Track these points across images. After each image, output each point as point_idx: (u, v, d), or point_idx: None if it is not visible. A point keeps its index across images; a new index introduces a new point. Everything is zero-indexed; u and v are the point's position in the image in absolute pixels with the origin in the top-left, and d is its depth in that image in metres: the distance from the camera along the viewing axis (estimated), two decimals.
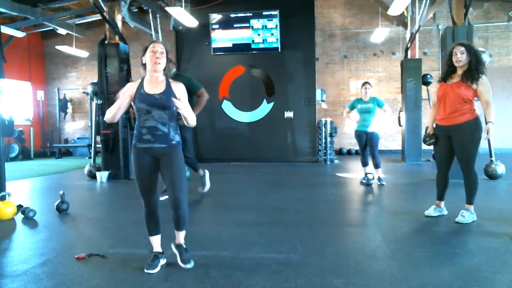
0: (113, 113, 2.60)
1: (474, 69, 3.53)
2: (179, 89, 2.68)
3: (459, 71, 3.63)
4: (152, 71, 2.63)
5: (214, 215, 4.12)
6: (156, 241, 2.77)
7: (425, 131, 4.04)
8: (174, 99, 2.54)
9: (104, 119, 2.72)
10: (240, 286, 2.36)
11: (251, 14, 9.22)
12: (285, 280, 2.43)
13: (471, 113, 3.61)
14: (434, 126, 3.90)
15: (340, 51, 11.60)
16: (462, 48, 3.56)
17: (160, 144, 2.59)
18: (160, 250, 2.75)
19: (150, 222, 2.76)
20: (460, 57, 3.56)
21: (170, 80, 2.71)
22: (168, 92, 2.62)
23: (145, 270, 2.60)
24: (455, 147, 3.67)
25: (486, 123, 3.52)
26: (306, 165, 8.89)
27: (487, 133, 3.50)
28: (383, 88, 11.37)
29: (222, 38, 9.43)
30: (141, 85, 2.64)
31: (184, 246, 2.76)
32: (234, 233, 3.47)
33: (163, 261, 2.72)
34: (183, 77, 4.95)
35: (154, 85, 2.64)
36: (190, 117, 2.64)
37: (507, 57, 11.02)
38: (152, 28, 9.06)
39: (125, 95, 2.62)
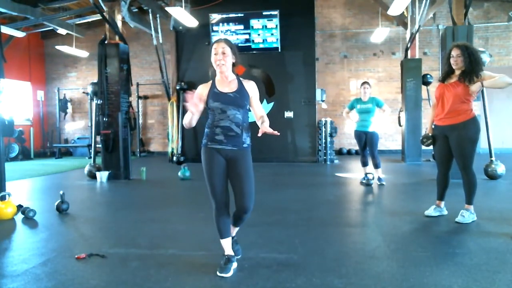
0: (189, 119, 2.53)
1: (469, 70, 3.53)
2: (252, 87, 2.63)
3: (457, 72, 3.64)
4: (219, 72, 2.57)
5: None
6: (227, 244, 2.66)
7: (425, 131, 4.05)
8: (267, 130, 2.46)
9: (183, 124, 2.63)
10: (240, 286, 2.36)
11: (250, 14, 9.22)
12: (285, 280, 2.43)
13: (468, 113, 3.61)
14: (433, 126, 3.91)
15: (340, 51, 11.60)
16: (459, 52, 3.57)
17: (232, 146, 2.54)
18: (232, 253, 2.65)
19: (221, 223, 2.61)
20: (457, 59, 3.58)
21: (241, 78, 2.65)
22: (241, 90, 2.57)
23: (218, 273, 2.51)
24: (452, 147, 3.67)
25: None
26: (306, 165, 8.89)
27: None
28: (383, 88, 11.37)
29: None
30: (213, 85, 2.59)
31: (235, 238, 2.79)
32: None
33: (234, 265, 2.62)
34: None
35: (226, 84, 2.58)
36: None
37: (507, 57, 11.04)
38: (152, 28, 9.07)
39: (198, 98, 2.52)
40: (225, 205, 2.61)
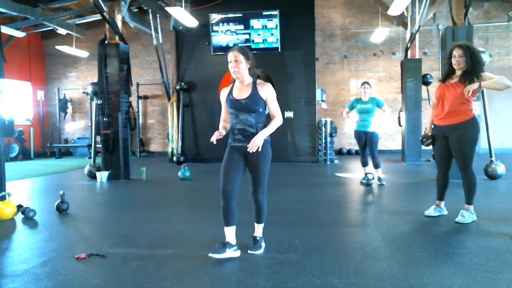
0: (221, 121, 2.98)
1: (471, 71, 3.52)
2: (265, 91, 2.83)
3: (458, 72, 3.63)
4: (236, 79, 2.84)
5: (214, 215, 4.12)
6: (228, 232, 2.88)
7: (424, 131, 4.05)
8: (253, 146, 2.72)
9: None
10: (240, 286, 2.36)
11: (250, 14, 9.22)
12: (285, 280, 2.43)
13: (468, 113, 3.61)
14: (432, 126, 3.91)
15: (340, 51, 11.60)
16: (461, 52, 3.56)
17: (245, 143, 2.80)
18: (230, 241, 2.84)
19: (225, 213, 2.86)
20: (459, 59, 3.57)
21: (258, 81, 2.85)
22: (254, 95, 2.80)
23: (209, 254, 2.72)
24: (451, 147, 3.67)
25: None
26: (306, 165, 8.89)
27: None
28: (383, 88, 11.37)
29: (222, 38, 9.43)
30: (230, 91, 2.88)
31: (258, 238, 3.00)
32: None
33: (230, 251, 2.78)
34: None
35: (241, 89, 2.84)
36: (274, 129, 2.87)
37: (507, 57, 11.04)
38: (152, 28, 9.07)
39: (223, 103, 2.96)
40: (230, 196, 2.83)
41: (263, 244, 3.01)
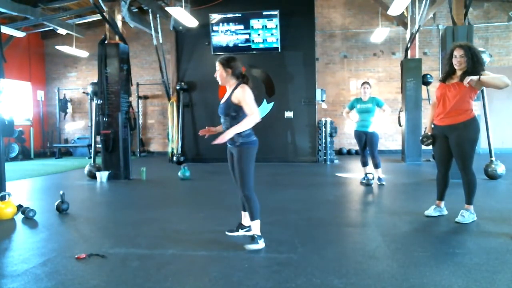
0: None
1: (472, 71, 3.52)
2: (236, 95, 2.98)
3: (459, 72, 3.63)
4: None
5: (214, 215, 4.12)
6: (243, 215, 3.36)
7: (424, 131, 4.05)
8: (218, 140, 2.93)
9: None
10: (240, 286, 2.36)
11: (250, 14, 9.22)
12: (285, 280, 2.43)
13: (469, 113, 3.61)
14: (432, 126, 3.91)
15: (340, 51, 11.60)
16: (462, 52, 3.56)
17: (230, 144, 3.10)
18: (244, 223, 3.35)
19: (241, 200, 3.24)
20: (460, 60, 3.57)
21: (240, 85, 3.02)
22: (227, 100, 3.04)
23: (226, 232, 3.32)
24: (452, 147, 3.67)
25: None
26: (306, 165, 8.89)
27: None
28: (383, 88, 11.37)
29: (222, 38, 9.43)
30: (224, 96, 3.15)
31: (256, 236, 3.02)
32: None
33: (242, 231, 3.33)
34: None
35: (225, 94, 3.11)
36: (244, 128, 2.95)
37: (507, 57, 11.04)
38: (152, 28, 9.07)
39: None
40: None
41: (260, 242, 3.01)
